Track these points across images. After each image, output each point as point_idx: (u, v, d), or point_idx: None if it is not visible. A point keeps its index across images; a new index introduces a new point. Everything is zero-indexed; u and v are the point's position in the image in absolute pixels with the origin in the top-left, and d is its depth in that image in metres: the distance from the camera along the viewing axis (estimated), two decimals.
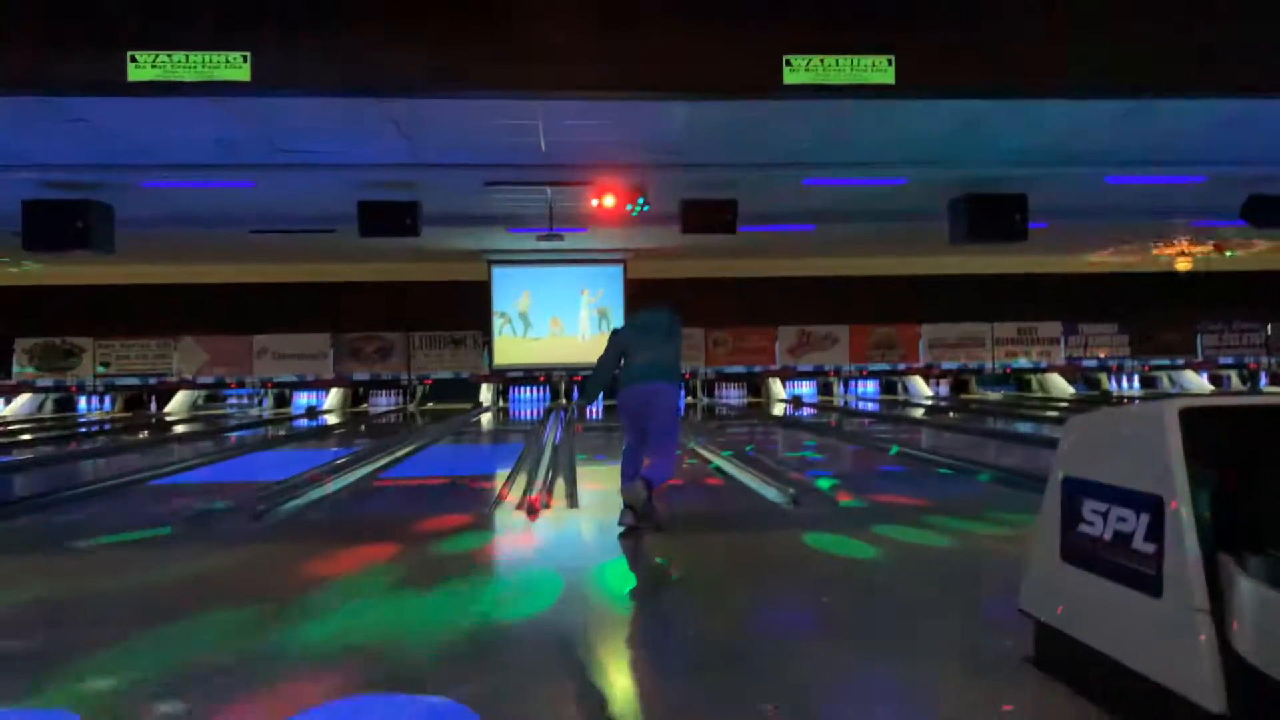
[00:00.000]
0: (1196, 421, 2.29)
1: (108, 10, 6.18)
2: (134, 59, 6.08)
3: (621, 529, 5.20)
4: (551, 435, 11.36)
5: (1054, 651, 2.71)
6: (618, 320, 18.50)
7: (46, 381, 18.32)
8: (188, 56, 6.08)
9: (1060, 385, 19.56)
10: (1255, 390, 19.30)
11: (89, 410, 18.42)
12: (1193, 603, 2.14)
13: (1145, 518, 2.31)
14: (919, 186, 11.03)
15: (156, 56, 6.10)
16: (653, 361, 5.62)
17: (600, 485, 6.90)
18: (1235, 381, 20.13)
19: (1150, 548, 2.28)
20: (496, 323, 18.39)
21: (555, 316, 18.41)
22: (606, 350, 5.75)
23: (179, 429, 14.48)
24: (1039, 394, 19.39)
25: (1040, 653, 2.79)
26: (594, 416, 15.48)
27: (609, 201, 10.66)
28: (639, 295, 16.83)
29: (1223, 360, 20.15)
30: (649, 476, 5.33)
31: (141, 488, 7.61)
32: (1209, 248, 16.08)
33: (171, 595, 4.05)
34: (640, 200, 10.64)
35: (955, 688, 2.73)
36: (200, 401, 18.90)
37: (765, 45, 6.35)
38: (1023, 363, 19.83)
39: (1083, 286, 19.45)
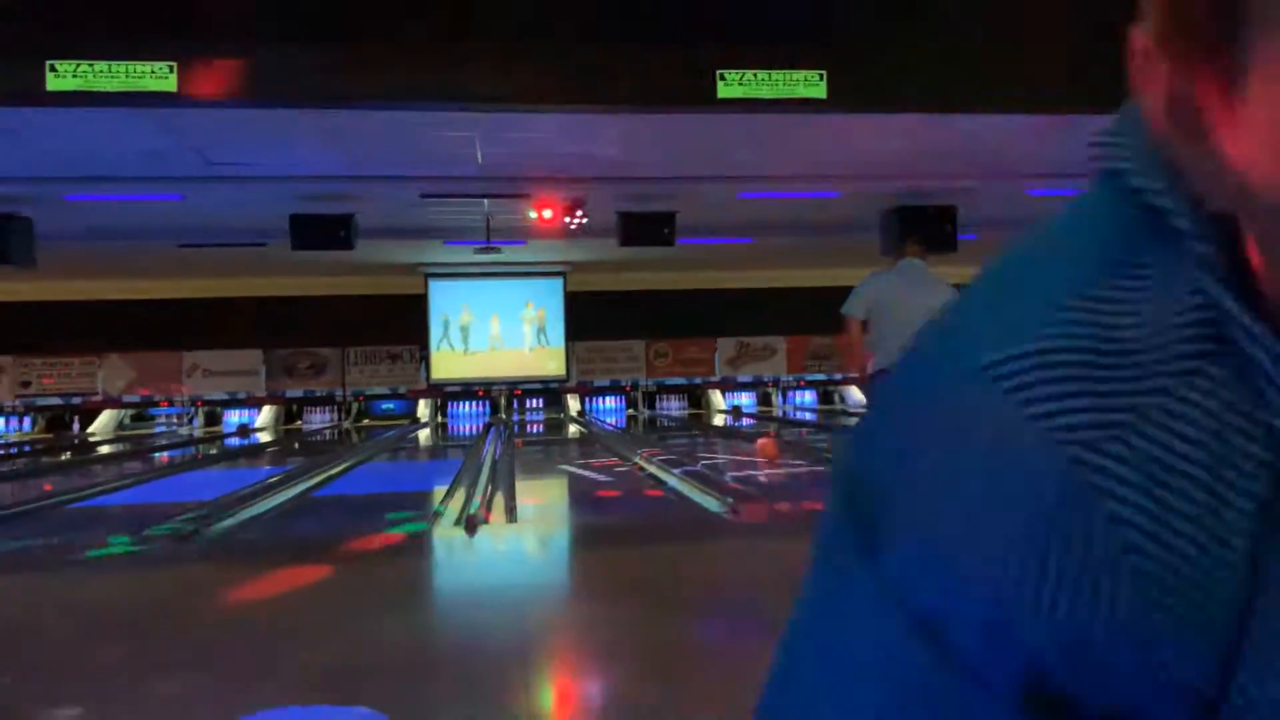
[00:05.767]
0: None
1: (26, 18, 6.00)
2: (54, 68, 5.91)
3: None
4: (491, 450, 11.27)
5: None
6: (557, 334, 18.23)
7: None
8: (110, 66, 5.92)
9: None
10: None
11: (7, 432, 17.76)
12: None
13: None
14: (853, 199, 11.22)
15: (78, 66, 5.92)
16: None
17: (539, 499, 6.88)
18: None
19: None
20: (436, 330, 18.08)
21: (495, 315, 18.09)
22: None
23: (104, 449, 14.05)
24: None
25: None
26: (536, 430, 15.40)
27: (547, 214, 10.66)
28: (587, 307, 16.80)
29: None
30: None
31: (63, 510, 7.36)
32: None
33: (99, 617, 3.92)
34: (579, 214, 10.67)
35: None
36: (127, 421, 18.34)
37: (700, 60, 6.44)
38: None
39: None
